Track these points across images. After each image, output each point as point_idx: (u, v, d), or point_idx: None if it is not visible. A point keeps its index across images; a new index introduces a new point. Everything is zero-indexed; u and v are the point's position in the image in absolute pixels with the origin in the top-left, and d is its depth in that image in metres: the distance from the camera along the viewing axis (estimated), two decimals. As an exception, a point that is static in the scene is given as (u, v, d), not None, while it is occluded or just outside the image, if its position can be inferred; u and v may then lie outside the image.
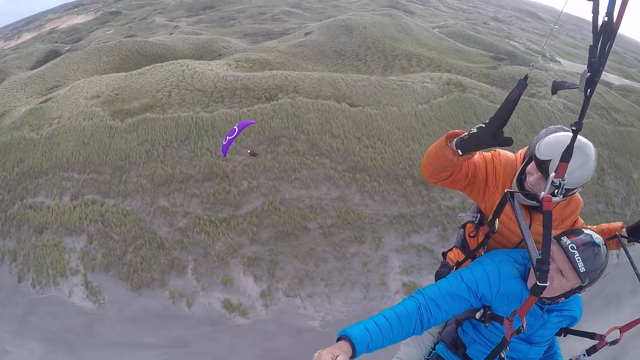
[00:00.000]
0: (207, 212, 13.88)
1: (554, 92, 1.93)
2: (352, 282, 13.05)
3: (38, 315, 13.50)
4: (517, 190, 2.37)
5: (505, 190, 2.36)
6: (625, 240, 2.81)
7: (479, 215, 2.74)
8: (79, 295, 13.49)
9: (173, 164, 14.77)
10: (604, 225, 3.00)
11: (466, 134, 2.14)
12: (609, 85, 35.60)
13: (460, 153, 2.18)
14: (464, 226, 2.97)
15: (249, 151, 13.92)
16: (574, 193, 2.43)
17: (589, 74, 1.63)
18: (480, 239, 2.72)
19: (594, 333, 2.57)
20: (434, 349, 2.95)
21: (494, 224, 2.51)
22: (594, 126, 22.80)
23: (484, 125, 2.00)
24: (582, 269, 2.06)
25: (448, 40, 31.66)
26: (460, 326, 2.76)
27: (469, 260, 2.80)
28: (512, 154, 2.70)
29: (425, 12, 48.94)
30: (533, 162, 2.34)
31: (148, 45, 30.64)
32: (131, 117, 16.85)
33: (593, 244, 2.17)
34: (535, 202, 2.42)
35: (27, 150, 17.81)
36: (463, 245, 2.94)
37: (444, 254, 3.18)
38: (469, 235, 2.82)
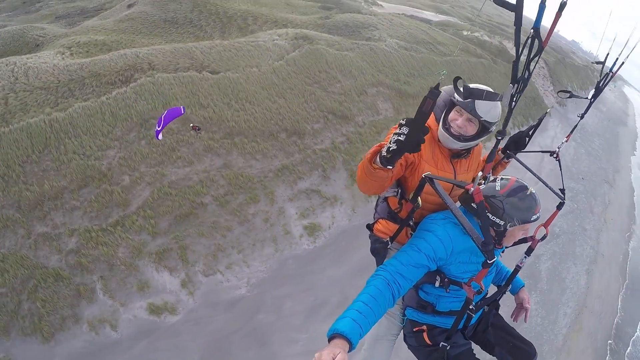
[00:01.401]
0: (95, 222, 12.60)
1: (466, 97, 2.13)
2: (261, 240, 13.31)
3: None
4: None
5: (424, 176, 2.60)
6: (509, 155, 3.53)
7: (399, 190, 3.02)
8: None
9: (39, 181, 12.87)
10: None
11: (385, 150, 2.19)
12: (428, 22, 39.63)
13: (390, 167, 2.27)
14: (385, 199, 3.20)
15: (191, 125, 13.25)
16: (492, 129, 2.81)
17: (513, 88, 1.80)
18: (406, 213, 2.94)
19: (525, 237, 2.93)
20: (404, 315, 3.25)
21: (417, 200, 2.72)
22: (426, 60, 25.44)
23: (402, 139, 2.06)
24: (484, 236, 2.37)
25: (277, -5, 32.11)
26: (421, 289, 3.03)
27: (407, 228, 3.01)
28: None
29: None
30: (456, 108, 2.78)
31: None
32: None
33: (530, 193, 2.68)
34: (467, 142, 2.86)
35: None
36: (392, 217, 3.09)
37: (370, 227, 3.37)
38: (395, 210, 3.05)
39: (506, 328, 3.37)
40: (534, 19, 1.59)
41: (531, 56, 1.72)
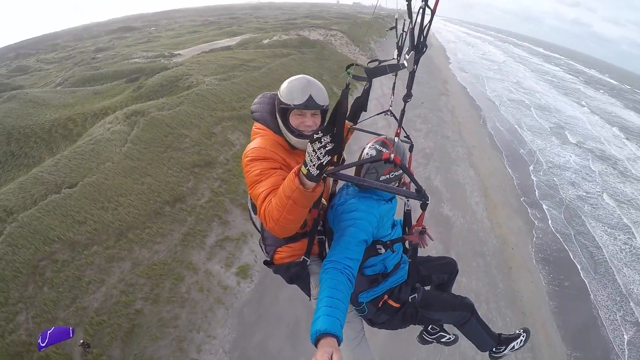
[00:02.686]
0: None
1: (371, 78, 2.47)
2: (209, 309, 13.17)
3: None
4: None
5: (326, 174, 2.57)
6: (354, 125, 4.05)
7: None
8: None
9: None
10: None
11: (315, 167, 2.18)
12: (229, 48, 41.25)
13: (320, 180, 2.28)
14: None
15: (81, 342, 11.79)
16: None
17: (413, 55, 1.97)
18: (311, 223, 3.00)
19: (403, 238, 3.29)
20: (360, 304, 3.36)
21: (321, 203, 2.82)
22: (247, 80, 26.70)
23: (331, 147, 2.12)
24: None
25: (80, 89, 31.10)
26: (365, 268, 3.20)
27: (317, 235, 3.13)
28: (255, 142, 2.95)
29: (34, 79, 45.60)
30: (294, 112, 2.86)
31: None
32: None
33: (379, 141, 3.12)
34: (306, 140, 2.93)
35: None
36: (291, 237, 2.90)
37: (270, 262, 3.29)
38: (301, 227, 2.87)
39: (428, 259, 4.01)
40: None
41: (425, 23, 1.92)
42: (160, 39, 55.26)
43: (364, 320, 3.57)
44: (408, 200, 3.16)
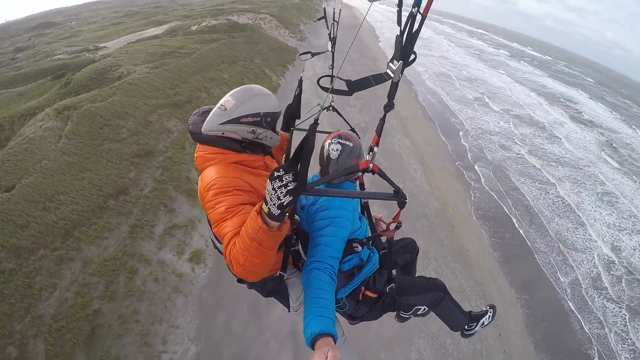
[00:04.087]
0: None
1: (353, 92, 2.29)
2: (167, 298, 13.19)
3: None
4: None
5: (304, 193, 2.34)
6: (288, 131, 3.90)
7: None
8: None
9: None
10: (278, 145, 3.69)
11: (276, 208, 2.09)
12: (157, 37, 40.05)
13: (284, 219, 2.20)
14: None
15: None
16: None
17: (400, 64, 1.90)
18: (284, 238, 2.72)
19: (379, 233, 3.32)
20: (340, 301, 3.40)
21: (294, 219, 2.50)
22: (178, 66, 26.39)
23: (293, 186, 2.03)
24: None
25: (3, 92, 29.24)
26: (342, 264, 3.22)
27: (293, 248, 3.14)
28: (213, 171, 2.76)
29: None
30: (258, 124, 2.92)
31: None
32: None
33: (337, 137, 3.35)
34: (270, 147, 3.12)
35: None
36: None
37: (242, 280, 3.01)
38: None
39: (391, 243, 3.80)
40: None
41: (414, 29, 1.82)
42: (83, 33, 52.66)
43: (345, 318, 3.71)
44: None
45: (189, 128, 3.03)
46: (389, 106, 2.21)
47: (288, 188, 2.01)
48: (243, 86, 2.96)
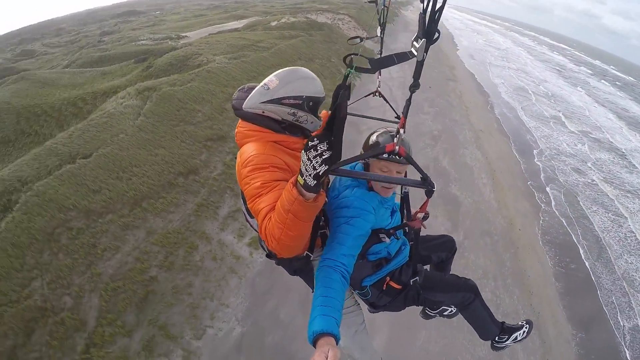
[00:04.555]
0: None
1: (376, 70, 2.33)
2: (222, 277, 13.35)
3: None
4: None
5: (327, 171, 2.32)
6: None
7: None
8: None
9: None
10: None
11: (311, 178, 2.06)
12: (237, 30, 41.19)
13: (320, 190, 2.16)
14: None
15: None
16: None
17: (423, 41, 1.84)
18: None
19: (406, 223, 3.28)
20: (363, 288, 3.38)
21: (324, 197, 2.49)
22: (257, 59, 26.86)
23: (328, 155, 2.00)
24: (409, 154, 2.53)
25: (88, 70, 31.03)
26: (369, 255, 3.21)
27: (323, 231, 3.09)
28: (251, 147, 2.79)
29: (40, 62, 45.50)
30: (299, 107, 2.88)
31: None
32: None
33: (388, 131, 2.99)
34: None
35: None
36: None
37: (272, 255, 3.11)
38: None
39: (426, 238, 3.97)
40: None
41: (437, 7, 1.78)
42: (166, 23, 54.98)
43: (366, 305, 3.67)
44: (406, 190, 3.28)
45: (232, 103, 3.06)
46: (414, 86, 2.09)
47: (323, 157, 1.99)
48: (289, 67, 2.97)
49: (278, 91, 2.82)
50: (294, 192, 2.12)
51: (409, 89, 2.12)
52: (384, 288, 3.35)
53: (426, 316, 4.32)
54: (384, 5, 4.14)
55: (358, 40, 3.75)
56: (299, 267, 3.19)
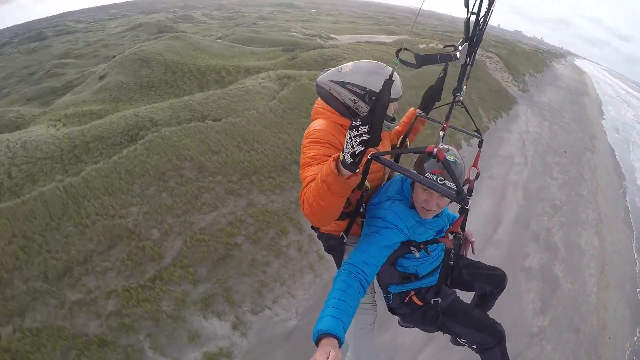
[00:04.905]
0: (132, 280, 12.06)
1: (420, 66, 2.34)
2: (299, 269, 13.33)
3: None
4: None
5: (370, 156, 2.57)
6: (424, 114, 3.86)
7: None
8: None
9: (64, 248, 12.28)
10: (404, 119, 3.98)
11: (349, 156, 2.11)
12: (384, 44, 41.66)
13: (358, 170, 2.21)
14: None
15: None
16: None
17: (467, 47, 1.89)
18: (354, 203, 2.97)
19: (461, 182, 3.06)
20: (388, 293, 3.38)
21: (364, 185, 2.78)
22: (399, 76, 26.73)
23: (367, 137, 2.03)
24: (456, 186, 2.44)
25: (238, 46, 32.93)
26: (398, 265, 3.16)
27: (357, 219, 3.10)
28: (317, 122, 2.97)
29: (196, 29, 49.49)
30: (361, 97, 2.90)
31: None
32: None
33: (455, 163, 2.77)
34: (395, 122, 3.15)
35: None
36: (343, 213, 2.85)
37: (316, 227, 3.28)
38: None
39: (475, 264, 3.74)
40: None
41: (481, 16, 1.81)
42: (319, 21, 57.16)
43: (386, 305, 3.58)
44: (469, 197, 2.98)
45: (318, 80, 3.16)
46: (457, 90, 2.20)
47: (362, 138, 2.04)
48: (372, 61, 3.00)
49: (347, 76, 2.92)
50: (332, 165, 2.20)
51: (452, 93, 2.22)
52: (406, 300, 3.32)
53: (455, 342, 3.95)
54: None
55: (452, 49, 3.61)
56: (333, 245, 3.31)
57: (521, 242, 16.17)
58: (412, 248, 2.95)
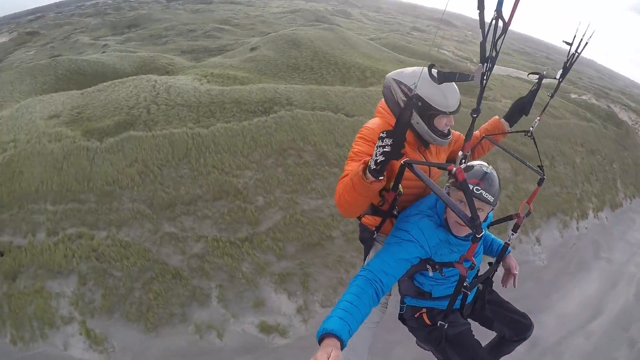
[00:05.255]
0: (224, 233, 12.74)
1: (441, 82, 2.36)
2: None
3: (28, 378, 11.20)
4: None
5: (403, 162, 2.49)
6: (508, 126, 3.55)
7: None
8: (78, 346, 11.37)
9: (175, 186, 13.39)
10: (485, 125, 3.67)
11: (373, 163, 2.19)
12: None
13: (382, 177, 2.28)
14: None
15: None
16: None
17: (483, 68, 1.84)
18: (388, 204, 2.96)
19: (511, 215, 3.18)
20: (403, 303, 3.34)
21: (398, 188, 2.77)
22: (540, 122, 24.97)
23: (388, 149, 2.09)
24: (492, 199, 2.53)
25: (388, 52, 32.78)
26: (415, 279, 3.11)
27: (389, 219, 3.09)
28: (374, 120, 3.02)
29: (351, 25, 50.32)
30: (440, 113, 2.79)
31: (86, 64, 28.44)
32: (111, 136, 15.16)
33: (486, 174, 2.60)
34: (450, 135, 2.97)
35: (-23, 182, 15.48)
36: (375, 210, 3.07)
37: (359, 216, 3.34)
38: (378, 204, 3.01)
39: (503, 304, 3.48)
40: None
41: (497, 36, 1.78)
42: (474, 45, 55.38)
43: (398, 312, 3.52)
44: (512, 235, 3.13)
45: (387, 79, 3.10)
46: (475, 111, 2.03)
47: (384, 150, 2.11)
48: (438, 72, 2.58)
49: (405, 77, 2.90)
50: (360, 167, 2.32)
51: (470, 114, 2.07)
52: (417, 315, 3.26)
53: None
54: (576, 51, 3.30)
55: (537, 76, 3.41)
56: (366, 237, 3.36)
57: (614, 343, 14.13)
58: (427, 265, 2.89)
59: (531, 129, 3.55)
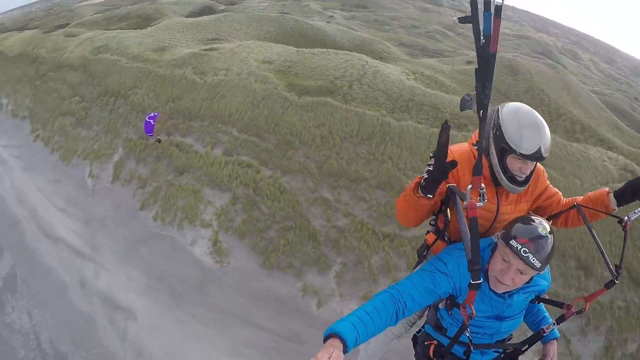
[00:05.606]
0: (372, 221, 12.94)
1: (462, 109, 2.25)
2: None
3: (150, 248, 13.44)
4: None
5: (448, 186, 2.53)
6: (586, 214, 2.88)
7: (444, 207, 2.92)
8: (202, 248, 13.11)
9: (348, 160, 14.01)
10: (590, 194, 3.00)
11: (423, 180, 2.29)
12: None
13: (431, 196, 2.31)
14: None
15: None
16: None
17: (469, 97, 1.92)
18: (442, 225, 3.01)
19: (562, 302, 2.75)
20: (423, 327, 3.31)
21: (447, 214, 2.84)
22: None
23: (429, 169, 2.18)
24: (538, 265, 2.25)
25: (607, 113, 29.67)
26: (438, 311, 3.03)
27: (439, 241, 3.10)
28: (463, 144, 2.88)
29: (576, 70, 46.35)
30: (519, 156, 2.50)
31: (309, 28, 30.73)
32: (309, 95, 16.39)
33: (540, 236, 2.27)
34: (523, 185, 2.68)
35: (187, 91, 18.18)
36: (435, 229, 3.15)
37: (428, 233, 3.45)
38: (430, 223, 3.16)
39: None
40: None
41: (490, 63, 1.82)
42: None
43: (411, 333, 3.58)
44: (553, 325, 2.88)
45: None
46: (477, 144, 2.15)
47: (428, 169, 2.18)
48: (526, 107, 2.66)
49: (504, 106, 2.66)
50: (413, 183, 2.43)
51: (473, 145, 2.36)
52: (426, 343, 3.20)
53: None
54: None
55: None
56: (419, 251, 3.49)
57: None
58: (447, 300, 2.79)
59: (627, 218, 2.68)
